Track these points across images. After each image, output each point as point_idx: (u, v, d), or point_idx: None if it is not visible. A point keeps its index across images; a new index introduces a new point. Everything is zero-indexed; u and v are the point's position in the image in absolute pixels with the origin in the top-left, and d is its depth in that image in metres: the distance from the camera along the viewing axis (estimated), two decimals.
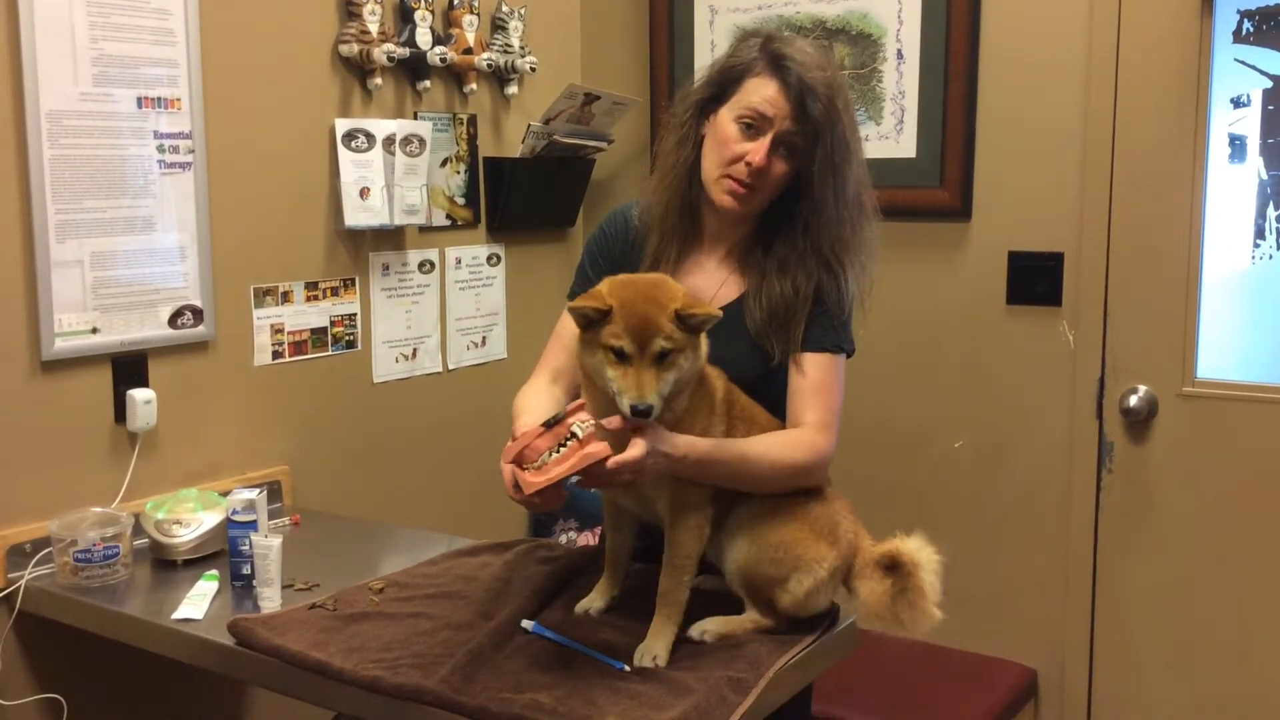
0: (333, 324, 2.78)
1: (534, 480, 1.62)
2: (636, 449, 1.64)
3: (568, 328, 2.01)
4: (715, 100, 1.92)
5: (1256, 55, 2.61)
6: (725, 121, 1.89)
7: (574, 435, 1.62)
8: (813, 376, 1.88)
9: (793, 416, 1.88)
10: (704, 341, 1.75)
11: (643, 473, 1.66)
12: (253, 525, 2.10)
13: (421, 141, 2.85)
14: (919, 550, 1.80)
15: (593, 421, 1.64)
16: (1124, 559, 2.80)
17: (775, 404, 1.91)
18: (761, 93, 1.86)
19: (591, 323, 1.68)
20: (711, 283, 1.97)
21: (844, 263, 1.89)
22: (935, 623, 1.77)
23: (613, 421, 1.65)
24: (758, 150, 1.85)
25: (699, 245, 2.00)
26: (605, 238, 2.06)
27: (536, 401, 1.92)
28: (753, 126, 1.86)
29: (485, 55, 3.00)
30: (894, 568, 1.80)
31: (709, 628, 1.81)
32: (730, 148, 1.87)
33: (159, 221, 2.40)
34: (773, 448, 1.81)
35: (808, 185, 1.87)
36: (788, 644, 1.79)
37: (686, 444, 1.71)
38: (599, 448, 1.60)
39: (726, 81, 1.91)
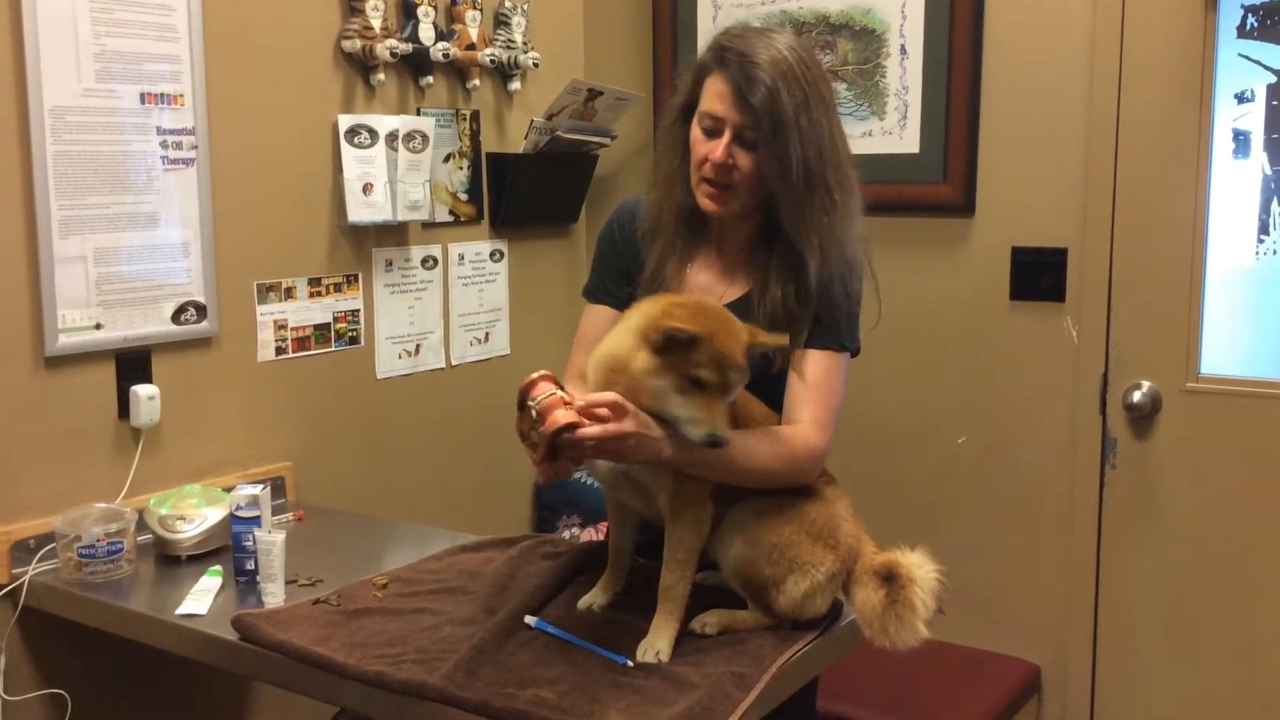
0: (336, 320, 2.78)
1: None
2: (621, 423, 1.63)
3: (588, 330, 2.01)
4: (691, 108, 1.93)
5: (1260, 50, 2.60)
6: (694, 127, 1.90)
7: (537, 414, 1.61)
8: (811, 374, 1.88)
9: (789, 413, 1.88)
10: None
11: (623, 446, 1.64)
12: (256, 521, 2.10)
13: (424, 137, 2.84)
14: (918, 566, 1.79)
15: (551, 392, 1.62)
16: (1127, 555, 2.80)
17: (780, 402, 1.91)
18: (712, 91, 1.86)
19: (673, 346, 1.65)
20: (717, 284, 1.97)
21: (808, 248, 1.85)
22: (921, 640, 1.76)
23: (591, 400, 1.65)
24: (716, 149, 1.85)
25: (706, 244, 2.00)
26: (613, 234, 2.06)
27: None
28: (709, 128, 1.86)
29: (488, 51, 3.00)
30: (890, 579, 1.79)
31: (709, 620, 1.82)
32: (697, 150, 1.88)
33: (162, 217, 2.40)
34: (762, 444, 1.81)
35: (765, 173, 1.86)
36: (791, 640, 1.79)
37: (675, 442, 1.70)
38: (557, 418, 1.59)
39: (693, 87, 1.92)
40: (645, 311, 1.72)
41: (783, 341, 1.77)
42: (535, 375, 1.66)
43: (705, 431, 1.66)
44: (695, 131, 1.89)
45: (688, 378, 1.65)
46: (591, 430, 1.61)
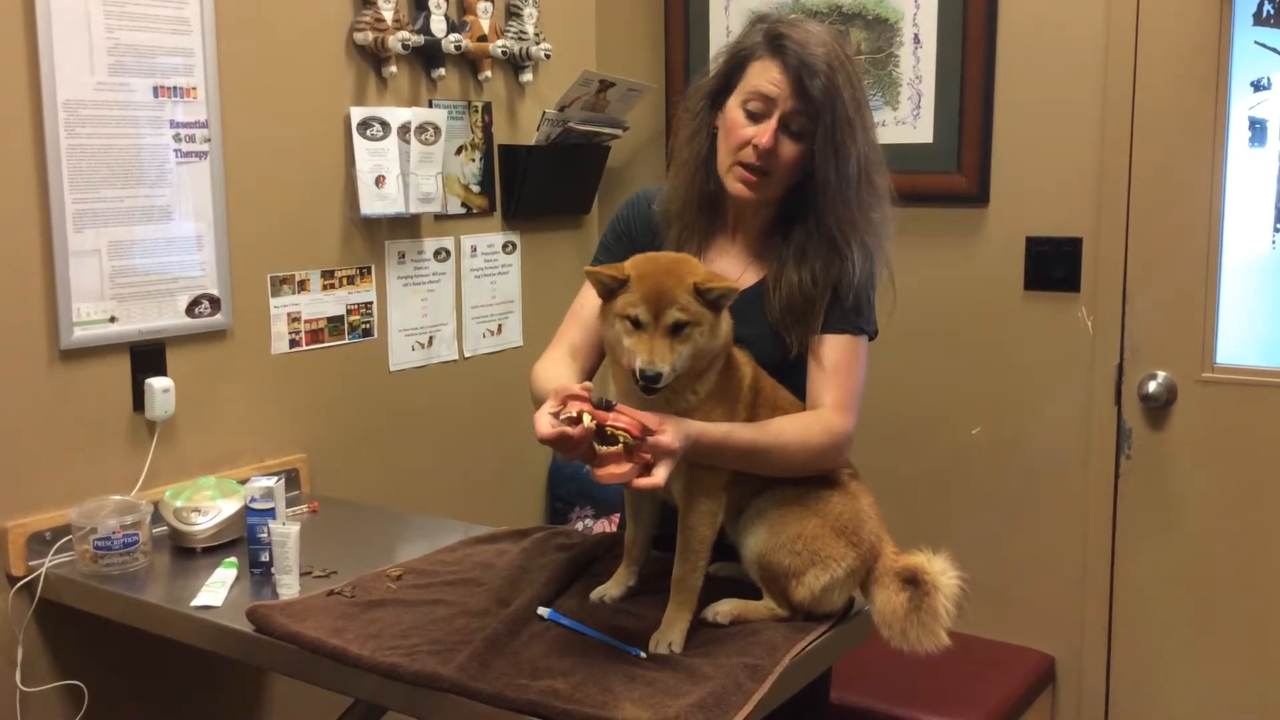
0: (349, 312, 2.79)
1: (608, 471, 1.62)
2: (659, 474, 1.62)
3: (585, 305, 2.01)
4: (724, 91, 1.92)
5: (1277, 38, 2.58)
6: (733, 109, 1.89)
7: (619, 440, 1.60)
8: (831, 358, 1.88)
9: (812, 398, 1.88)
10: (726, 322, 1.75)
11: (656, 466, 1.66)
12: (271, 513, 2.10)
13: (436, 129, 2.84)
14: (942, 573, 1.78)
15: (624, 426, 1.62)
16: (1142, 545, 2.79)
17: (801, 389, 1.91)
18: (764, 76, 1.86)
19: (610, 293, 1.71)
20: (734, 269, 1.97)
21: (851, 244, 1.88)
22: (942, 647, 1.77)
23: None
24: (763, 133, 1.85)
25: (722, 233, 2.00)
26: (627, 220, 2.06)
27: (557, 370, 1.93)
28: (757, 111, 1.86)
29: (500, 42, 3.00)
30: (914, 583, 1.79)
31: (722, 609, 1.81)
32: (738, 133, 1.87)
33: (176, 210, 2.40)
34: (786, 432, 1.80)
35: (812, 164, 1.87)
36: (804, 631, 1.79)
37: (698, 429, 1.70)
38: (609, 471, 1.61)
39: (732, 70, 1.91)
40: None
41: (733, 287, 1.72)
42: (578, 406, 1.63)
43: (642, 363, 1.65)
44: (735, 114, 1.88)
45: (625, 317, 1.68)
46: (644, 481, 1.62)
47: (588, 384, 1.70)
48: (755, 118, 1.86)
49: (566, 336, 2.02)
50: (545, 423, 1.61)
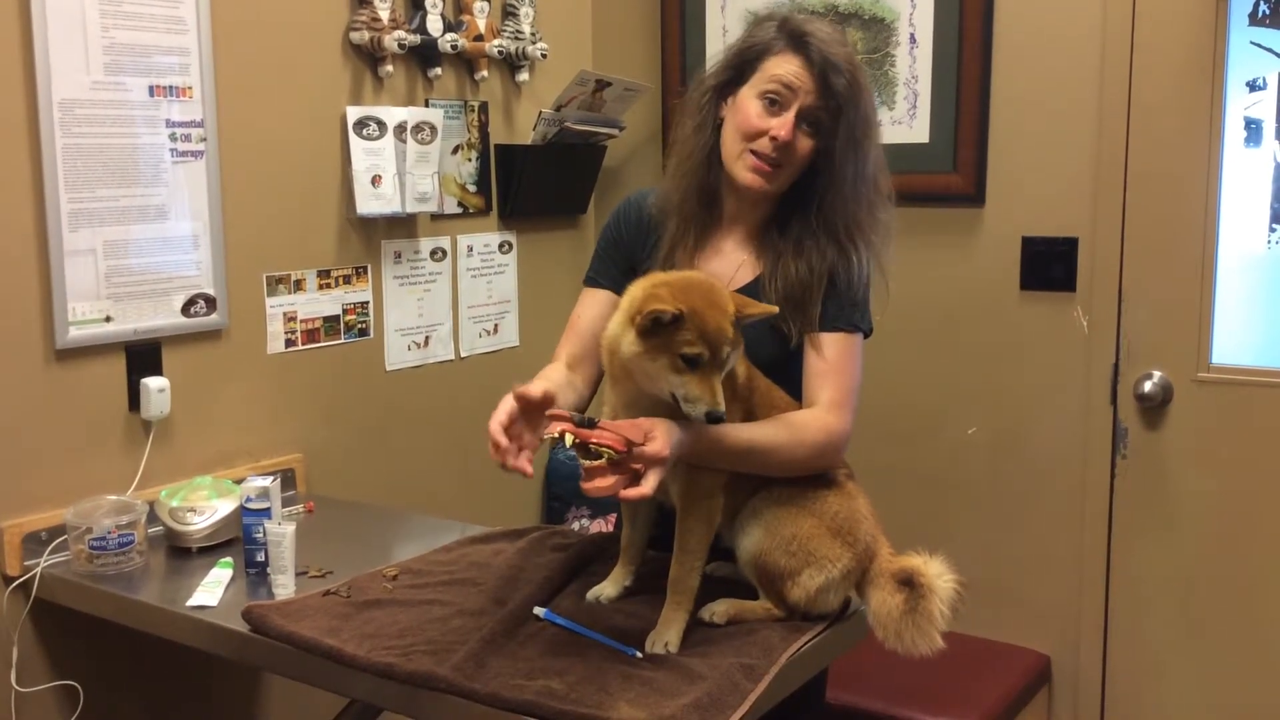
0: (345, 312, 2.78)
1: (594, 484, 1.61)
2: (648, 483, 1.61)
3: (582, 316, 2.01)
4: (733, 83, 1.93)
5: (1273, 38, 2.59)
6: (747, 100, 1.89)
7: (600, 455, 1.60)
8: (828, 356, 1.88)
9: (808, 396, 1.89)
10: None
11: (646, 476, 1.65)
12: (267, 513, 2.10)
13: (433, 129, 2.84)
14: (939, 576, 1.78)
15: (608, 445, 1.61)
16: (1138, 545, 2.79)
17: (796, 385, 1.91)
18: (784, 69, 1.87)
19: (658, 327, 1.65)
20: (729, 265, 1.97)
21: (856, 242, 1.89)
22: (935, 649, 1.76)
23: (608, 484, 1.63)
24: (783, 125, 1.85)
25: (717, 229, 2.00)
26: (617, 226, 2.06)
27: (556, 379, 1.93)
28: (777, 101, 1.86)
29: (496, 42, 3.00)
30: (909, 585, 1.78)
31: (718, 609, 1.81)
32: (754, 124, 1.87)
33: (171, 210, 2.40)
34: (782, 431, 1.80)
35: (828, 161, 1.88)
36: (800, 631, 1.79)
37: (692, 435, 1.70)
38: (595, 484, 1.60)
39: (744, 63, 1.92)
40: (632, 294, 1.73)
41: (771, 310, 1.75)
42: (559, 426, 1.62)
43: (704, 409, 1.65)
44: (752, 104, 1.88)
45: (680, 356, 1.65)
46: (632, 492, 1.61)
47: (552, 392, 1.69)
48: (774, 106, 1.86)
49: (565, 349, 2.03)
50: (495, 422, 1.70)
